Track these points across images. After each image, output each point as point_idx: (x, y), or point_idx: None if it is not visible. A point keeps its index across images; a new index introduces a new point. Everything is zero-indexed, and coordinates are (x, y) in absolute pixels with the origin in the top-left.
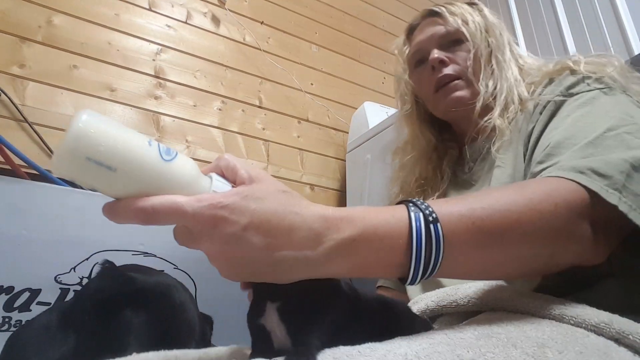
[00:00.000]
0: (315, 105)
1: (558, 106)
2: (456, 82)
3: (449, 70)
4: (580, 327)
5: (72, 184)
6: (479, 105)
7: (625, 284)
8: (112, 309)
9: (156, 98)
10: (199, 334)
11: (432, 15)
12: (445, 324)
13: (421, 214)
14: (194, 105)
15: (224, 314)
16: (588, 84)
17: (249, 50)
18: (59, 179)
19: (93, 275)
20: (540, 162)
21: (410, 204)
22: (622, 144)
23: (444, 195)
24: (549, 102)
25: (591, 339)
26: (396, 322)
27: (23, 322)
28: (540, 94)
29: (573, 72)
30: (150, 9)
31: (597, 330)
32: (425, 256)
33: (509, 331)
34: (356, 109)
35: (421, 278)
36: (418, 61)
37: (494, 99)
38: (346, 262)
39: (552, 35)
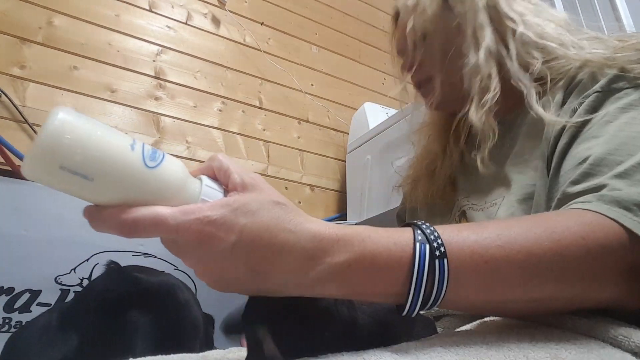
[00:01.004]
0: (315, 106)
1: (597, 104)
2: (427, 86)
3: (419, 75)
4: (596, 338)
5: None
6: (468, 101)
7: None
8: (119, 309)
9: (156, 99)
10: (203, 332)
11: (396, 17)
12: (450, 325)
13: (427, 247)
14: (194, 106)
15: (223, 315)
16: (631, 80)
17: (249, 51)
18: None
19: (95, 275)
20: (575, 182)
21: (418, 231)
22: None
23: (453, 180)
24: (585, 97)
25: (607, 351)
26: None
27: (23, 323)
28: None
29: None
30: (150, 10)
31: (614, 342)
32: (425, 292)
33: (521, 340)
34: (356, 109)
35: (419, 311)
36: (399, 53)
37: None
38: (339, 287)
39: None
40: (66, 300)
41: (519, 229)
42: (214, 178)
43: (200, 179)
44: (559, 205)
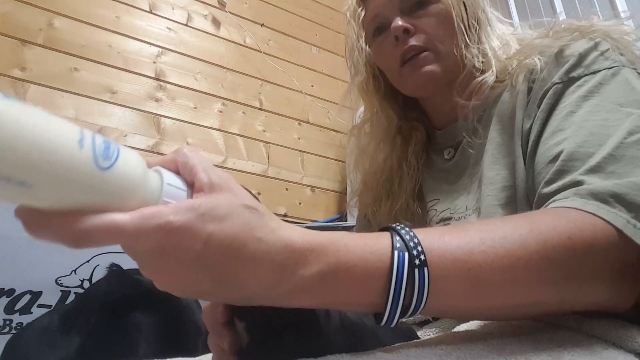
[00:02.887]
0: (315, 107)
1: (558, 96)
2: (425, 54)
3: (415, 40)
4: (599, 338)
5: None
6: (458, 79)
7: None
8: (121, 311)
9: (157, 100)
10: (205, 334)
11: None
12: (448, 323)
13: (407, 255)
14: (195, 107)
15: None
16: (592, 61)
17: (250, 52)
18: None
19: (95, 277)
20: (549, 182)
21: (397, 237)
22: None
23: (419, 189)
24: (546, 91)
25: (610, 352)
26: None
27: (24, 325)
28: (534, 66)
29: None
30: (150, 12)
31: (617, 343)
32: (404, 302)
33: (522, 343)
34: (357, 110)
35: (397, 321)
36: (377, 28)
37: (481, 70)
38: (312, 299)
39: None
40: (67, 302)
41: (503, 231)
42: (177, 173)
43: (160, 174)
44: (537, 207)
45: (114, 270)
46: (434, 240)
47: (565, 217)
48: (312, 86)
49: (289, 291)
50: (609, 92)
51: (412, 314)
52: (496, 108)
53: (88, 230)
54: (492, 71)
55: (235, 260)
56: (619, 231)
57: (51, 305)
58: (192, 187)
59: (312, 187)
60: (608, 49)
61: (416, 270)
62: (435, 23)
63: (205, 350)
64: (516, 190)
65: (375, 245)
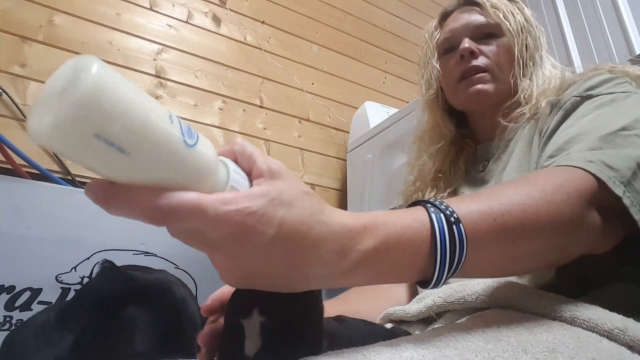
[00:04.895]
0: (316, 105)
1: (575, 106)
2: (482, 74)
3: (478, 62)
4: (593, 331)
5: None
6: (506, 103)
7: (636, 288)
8: (115, 306)
9: (157, 97)
10: (201, 328)
11: (471, 4)
12: (452, 320)
13: (442, 215)
14: (195, 105)
15: None
16: (609, 87)
17: (250, 49)
18: (62, 178)
19: (94, 274)
20: (551, 157)
21: (429, 204)
22: (632, 145)
23: (455, 192)
24: (566, 102)
25: (604, 345)
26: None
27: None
28: (561, 92)
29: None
30: (151, 9)
31: (611, 336)
32: (449, 258)
33: (519, 334)
34: (357, 108)
35: (444, 280)
36: (447, 49)
37: (527, 99)
38: (368, 272)
39: (554, 35)
40: (67, 299)
41: (510, 189)
42: (236, 163)
43: (225, 163)
44: None
45: (107, 266)
46: (459, 203)
47: (555, 172)
48: (313, 84)
49: (349, 268)
50: (618, 106)
51: (454, 272)
52: (527, 126)
53: (173, 207)
54: (531, 106)
55: (303, 243)
56: (602, 182)
57: (51, 302)
58: (250, 175)
59: (313, 185)
60: (625, 82)
61: (454, 227)
62: (499, 52)
63: None
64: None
65: (415, 215)
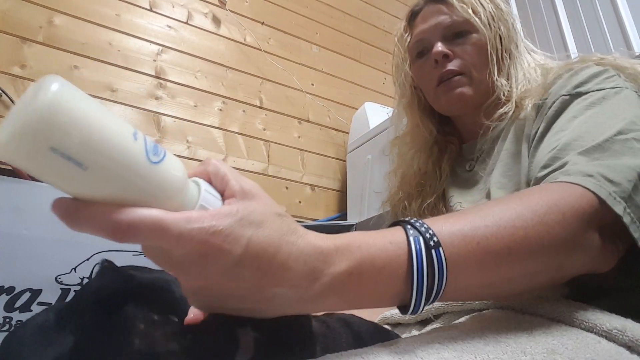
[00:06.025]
0: (315, 106)
1: (564, 106)
2: (459, 77)
3: (452, 65)
4: (591, 332)
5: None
6: (486, 102)
7: (637, 296)
8: (114, 306)
9: (157, 98)
10: None
11: (437, 1)
12: (450, 322)
13: (421, 239)
14: (195, 106)
15: None
16: (598, 82)
17: (250, 50)
18: None
19: (94, 275)
20: (545, 167)
21: (408, 226)
22: (630, 151)
23: (443, 195)
24: (554, 101)
25: (602, 345)
26: None
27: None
28: (546, 90)
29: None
30: (151, 10)
31: (609, 337)
32: (427, 285)
33: (518, 336)
34: (357, 109)
35: (424, 307)
36: (420, 52)
37: (507, 96)
38: (341, 297)
39: (553, 34)
40: (66, 300)
41: (500, 208)
42: (209, 183)
43: (197, 183)
44: None
45: (106, 266)
46: (441, 224)
47: (550, 189)
48: (312, 85)
49: (320, 292)
50: (609, 104)
51: (435, 298)
52: (514, 125)
53: (133, 223)
54: (512, 104)
55: (271, 264)
56: (602, 200)
57: (51, 303)
58: (223, 195)
59: (312, 186)
60: (614, 75)
61: (433, 251)
62: (472, 51)
63: None
64: (515, 182)
65: (392, 237)
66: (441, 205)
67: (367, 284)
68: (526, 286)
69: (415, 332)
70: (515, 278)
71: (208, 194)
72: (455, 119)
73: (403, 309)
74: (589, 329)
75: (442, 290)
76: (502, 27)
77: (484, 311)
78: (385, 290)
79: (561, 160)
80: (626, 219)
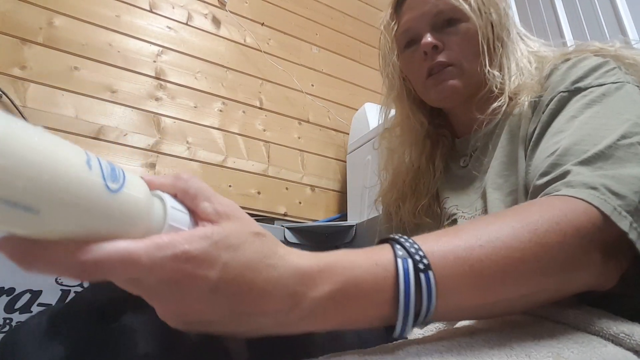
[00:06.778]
0: (315, 107)
1: (563, 103)
2: (449, 68)
3: (442, 57)
4: (598, 336)
5: None
6: (478, 95)
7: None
8: (112, 311)
9: (157, 99)
10: None
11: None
12: (452, 323)
13: (410, 261)
14: (195, 107)
15: None
16: (598, 77)
17: (250, 51)
18: None
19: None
20: (544, 174)
21: (397, 246)
22: (635, 157)
23: (437, 195)
24: (552, 99)
25: (609, 349)
26: None
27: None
28: (542, 86)
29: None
30: (150, 11)
31: (616, 341)
32: (415, 309)
33: (523, 339)
34: (357, 110)
35: (411, 329)
36: (408, 42)
37: (500, 89)
38: (323, 320)
39: (552, 33)
40: (67, 301)
41: (496, 226)
42: (174, 197)
43: (160, 198)
44: (532, 198)
45: None
46: (433, 243)
47: (552, 205)
48: (312, 85)
49: (301, 317)
50: (611, 102)
51: (424, 321)
52: (508, 121)
53: (100, 260)
54: (505, 97)
55: (249, 289)
56: (606, 216)
57: (51, 304)
58: (193, 213)
59: (312, 187)
60: (615, 67)
61: (421, 275)
62: (462, 41)
63: None
64: (513, 185)
65: (379, 257)
66: (436, 206)
67: (351, 307)
68: (522, 306)
69: (417, 329)
70: (511, 299)
71: (175, 211)
72: (447, 112)
73: (390, 330)
74: (595, 333)
75: (430, 313)
76: (493, 13)
77: None
78: (370, 314)
79: (561, 167)
80: (632, 235)
